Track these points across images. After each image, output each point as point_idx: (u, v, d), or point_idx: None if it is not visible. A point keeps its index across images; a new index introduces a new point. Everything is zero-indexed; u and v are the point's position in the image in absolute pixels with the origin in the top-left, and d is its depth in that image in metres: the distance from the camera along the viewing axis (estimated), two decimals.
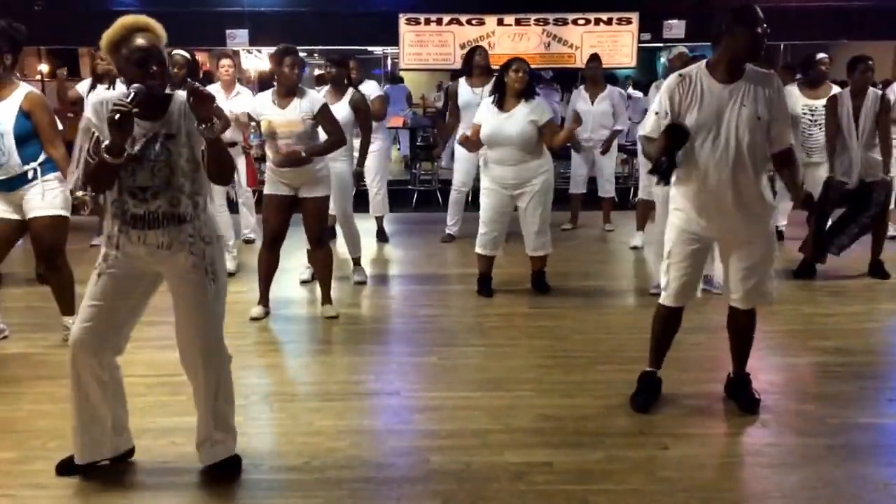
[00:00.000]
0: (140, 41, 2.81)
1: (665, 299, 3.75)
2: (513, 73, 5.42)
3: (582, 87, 7.96)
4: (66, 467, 3.16)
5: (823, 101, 6.45)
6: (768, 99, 3.42)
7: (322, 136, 5.06)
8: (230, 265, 6.12)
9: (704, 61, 3.53)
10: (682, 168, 3.50)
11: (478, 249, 5.74)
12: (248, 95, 7.24)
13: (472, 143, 5.64)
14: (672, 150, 3.37)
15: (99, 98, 2.95)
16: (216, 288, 3.11)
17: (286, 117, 4.93)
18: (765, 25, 3.39)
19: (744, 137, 3.39)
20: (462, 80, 7.08)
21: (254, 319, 5.12)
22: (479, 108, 5.68)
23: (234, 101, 6.94)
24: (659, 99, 3.56)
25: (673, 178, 3.55)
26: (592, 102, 7.78)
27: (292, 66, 4.96)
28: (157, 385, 4.10)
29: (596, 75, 7.88)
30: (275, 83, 5.08)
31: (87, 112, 2.94)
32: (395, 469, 3.26)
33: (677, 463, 3.30)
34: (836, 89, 6.47)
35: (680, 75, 3.52)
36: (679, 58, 7.00)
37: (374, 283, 6.12)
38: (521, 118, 5.40)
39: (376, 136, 6.91)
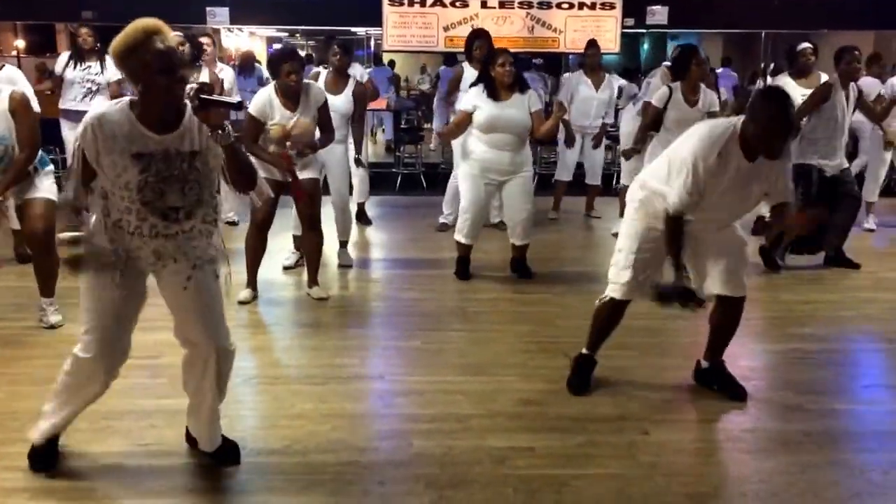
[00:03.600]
0: (160, 45, 2.64)
1: (620, 294, 3.69)
2: (499, 68, 5.39)
3: (581, 73, 7.87)
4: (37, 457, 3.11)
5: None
6: (777, 172, 3.43)
7: None
8: None
9: (735, 128, 3.35)
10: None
11: (460, 238, 5.73)
12: (230, 74, 7.21)
13: (453, 133, 5.62)
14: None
15: (96, 116, 2.71)
16: (219, 284, 3.15)
17: (297, 120, 4.89)
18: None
19: (746, 209, 3.54)
20: (466, 65, 7.00)
21: (241, 303, 5.09)
22: (464, 98, 5.65)
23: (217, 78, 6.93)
24: (693, 177, 3.34)
25: (645, 183, 3.63)
26: (596, 90, 7.73)
27: (289, 74, 4.79)
28: (137, 367, 4.02)
29: (596, 62, 7.85)
30: (274, 82, 4.96)
31: (80, 131, 2.71)
32: (377, 453, 3.27)
33: (658, 448, 3.33)
34: (824, 77, 6.51)
35: (719, 155, 3.32)
36: (665, 76, 6.96)
37: (359, 267, 6.11)
38: (521, 106, 5.42)
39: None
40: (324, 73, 6.09)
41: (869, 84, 7.32)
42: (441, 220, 7.38)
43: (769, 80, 11.91)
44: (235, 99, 2.90)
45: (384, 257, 6.68)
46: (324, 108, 5.03)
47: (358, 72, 6.92)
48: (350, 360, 4.26)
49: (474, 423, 3.52)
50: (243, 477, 3.08)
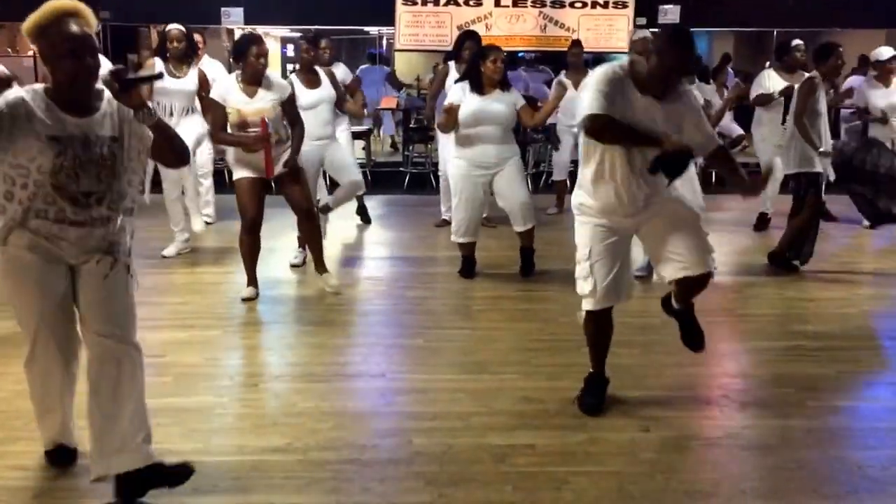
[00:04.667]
0: (73, 28, 2.56)
1: (592, 304, 3.54)
2: (491, 64, 5.40)
3: (563, 74, 7.87)
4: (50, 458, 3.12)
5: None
6: (684, 113, 3.36)
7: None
8: (198, 224, 6.29)
9: (623, 66, 3.35)
10: (593, 170, 3.44)
11: (458, 238, 5.72)
12: (220, 68, 7.25)
13: (448, 124, 5.60)
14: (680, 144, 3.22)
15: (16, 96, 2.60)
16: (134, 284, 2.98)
17: (255, 106, 4.91)
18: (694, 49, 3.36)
19: None
20: (452, 65, 7.02)
21: (246, 300, 5.13)
22: (449, 94, 5.65)
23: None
24: (597, 86, 3.30)
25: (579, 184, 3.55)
26: (576, 88, 7.73)
27: (258, 56, 4.89)
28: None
29: (578, 61, 7.84)
30: (239, 70, 5.02)
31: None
32: (378, 451, 3.28)
33: (658, 445, 3.34)
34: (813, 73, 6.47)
35: (610, 82, 3.29)
36: (642, 42, 6.91)
37: (363, 265, 6.13)
38: (505, 101, 5.47)
39: (343, 118, 6.82)
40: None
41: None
42: (443, 216, 7.39)
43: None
44: (153, 71, 2.89)
45: (389, 255, 6.70)
46: (290, 101, 5.06)
47: (341, 71, 6.91)
48: (352, 358, 4.29)
49: (475, 421, 3.53)
50: (244, 475, 3.10)
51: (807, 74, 6.22)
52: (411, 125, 11.61)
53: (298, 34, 15.58)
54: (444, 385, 3.91)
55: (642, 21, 10.36)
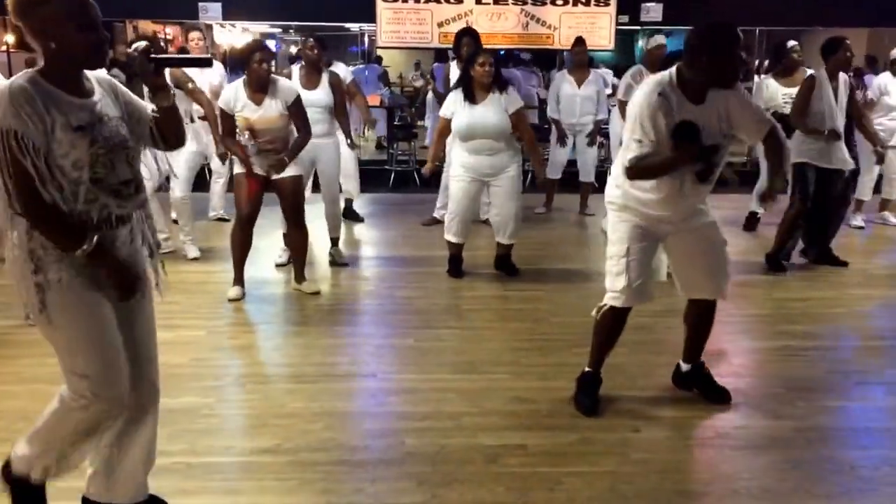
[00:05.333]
0: None
1: (621, 301, 3.53)
2: (479, 67, 5.37)
3: (566, 71, 7.90)
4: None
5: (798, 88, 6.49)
6: (730, 111, 3.32)
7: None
8: (192, 252, 6.11)
9: (671, 75, 3.32)
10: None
11: (450, 237, 5.72)
12: (220, 68, 7.19)
13: (437, 147, 5.77)
14: (691, 149, 3.22)
15: (19, 94, 2.17)
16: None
17: (263, 115, 4.90)
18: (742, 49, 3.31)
19: (717, 163, 3.36)
20: (453, 64, 6.98)
21: (232, 300, 5.08)
22: (444, 104, 5.63)
23: (208, 74, 6.93)
24: (639, 125, 3.25)
25: (618, 180, 3.48)
26: (579, 87, 7.75)
27: (261, 62, 4.84)
28: None
29: (582, 60, 7.85)
30: (244, 74, 4.97)
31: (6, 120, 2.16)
32: (369, 452, 3.26)
33: (650, 445, 3.33)
34: (809, 71, 6.49)
35: (660, 94, 3.24)
36: (659, 49, 6.95)
37: (351, 265, 6.09)
38: (497, 109, 5.39)
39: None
40: (296, 69, 6.05)
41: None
42: (434, 214, 7.39)
43: (762, 77, 11.94)
44: (201, 55, 2.76)
45: (377, 255, 6.66)
46: (295, 105, 5.01)
47: (341, 70, 6.88)
48: (342, 359, 4.25)
49: (466, 421, 3.51)
50: (234, 477, 3.07)
51: (809, 72, 6.24)
52: (395, 123, 11.59)
53: (279, 30, 15.57)
54: (435, 385, 3.89)
55: (624, 19, 10.38)
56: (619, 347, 4.29)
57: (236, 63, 5.09)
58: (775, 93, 6.68)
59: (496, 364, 4.17)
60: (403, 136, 10.52)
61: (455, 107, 5.44)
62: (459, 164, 5.58)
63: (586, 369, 3.74)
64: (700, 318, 3.71)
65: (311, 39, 5.91)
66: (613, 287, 3.54)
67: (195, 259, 6.09)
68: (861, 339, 4.72)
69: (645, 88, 3.31)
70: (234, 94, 4.94)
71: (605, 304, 3.61)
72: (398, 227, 7.52)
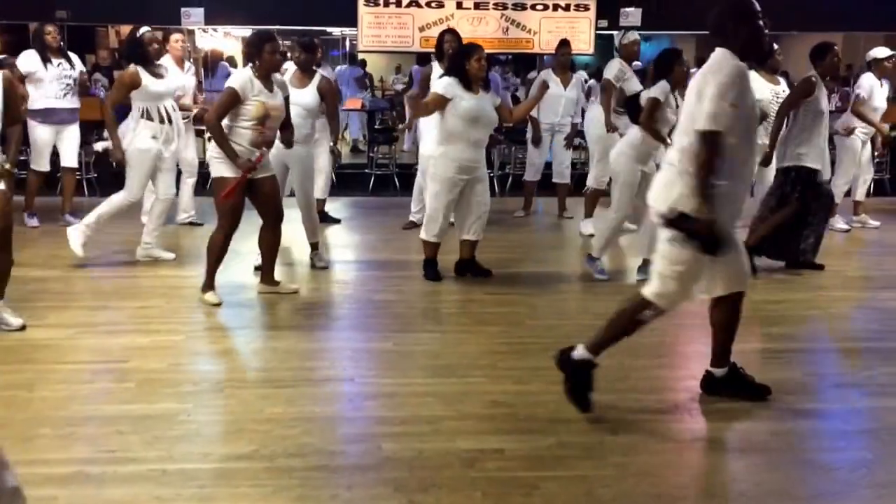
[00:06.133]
0: None
1: (668, 304, 3.49)
2: (476, 63, 5.39)
3: (550, 71, 7.90)
4: None
5: (782, 87, 6.57)
6: None
7: None
8: (167, 254, 6.10)
9: (736, 58, 3.32)
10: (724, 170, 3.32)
11: (431, 237, 5.68)
12: (191, 80, 7.19)
13: (426, 109, 5.65)
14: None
15: None
16: None
17: (275, 101, 4.98)
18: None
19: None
20: (435, 65, 6.97)
21: (216, 305, 5.02)
22: (439, 84, 5.55)
23: (188, 76, 6.94)
24: (732, 89, 3.25)
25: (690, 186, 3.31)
26: (565, 88, 7.79)
27: (273, 52, 4.93)
28: (102, 371, 4.03)
29: (568, 61, 7.91)
30: (252, 66, 4.97)
31: None
32: (346, 457, 3.24)
33: (627, 448, 3.33)
34: (782, 80, 6.57)
35: (739, 71, 3.30)
36: (634, 44, 7.11)
37: (330, 268, 6.06)
38: (489, 101, 5.48)
39: (325, 133, 6.82)
40: (291, 67, 6.05)
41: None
42: (410, 217, 7.36)
43: None
44: None
45: (356, 258, 6.64)
46: (287, 100, 5.13)
47: (326, 73, 6.87)
48: (319, 363, 4.23)
49: (444, 425, 3.50)
50: (210, 483, 3.03)
51: (781, 79, 6.31)
52: (376, 126, 11.57)
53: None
54: (412, 389, 3.88)
55: (604, 23, 10.46)
56: None
57: (247, 52, 5.07)
58: (763, 87, 6.70)
59: (473, 368, 4.16)
60: (383, 139, 10.50)
61: (455, 90, 5.37)
62: (450, 160, 5.47)
63: (589, 356, 3.61)
64: (732, 314, 3.68)
65: (300, 45, 5.92)
66: (667, 289, 3.48)
67: (170, 261, 6.08)
68: (837, 342, 4.76)
69: (717, 69, 3.30)
70: (250, 80, 4.90)
71: (646, 299, 3.51)
72: (377, 230, 7.51)
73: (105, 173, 8.66)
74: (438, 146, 5.57)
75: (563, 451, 3.29)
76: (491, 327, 4.81)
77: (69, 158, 7.29)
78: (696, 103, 3.28)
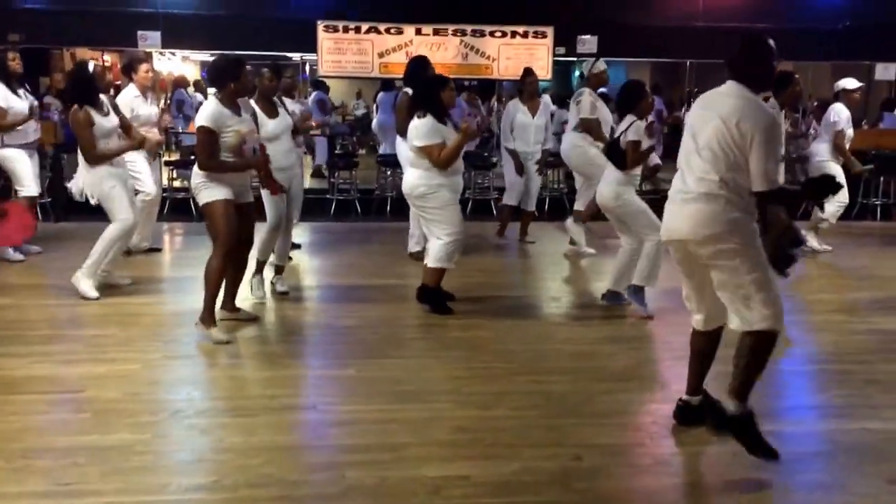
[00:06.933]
0: None
1: (777, 325, 3.41)
2: (450, 91, 5.46)
3: (517, 101, 7.91)
4: None
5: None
6: None
7: None
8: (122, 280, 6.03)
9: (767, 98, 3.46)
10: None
11: (450, 264, 5.49)
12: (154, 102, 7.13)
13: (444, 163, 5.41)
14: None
15: None
16: None
17: (247, 125, 4.97)
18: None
19: None
20: (411, 91, 6.96)
21: (224, 343, 4.85)
22: (421, 128, 5.34)
23: (151, 107, 6.88)
24: (777, 144, 3.37)
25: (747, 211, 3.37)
26: (533, 116, 7.86)
27: (246, 76, 4.94)
28: (58, 402, 3.94)
29: (535, 89, 7.99)
30: (218, 94, 4.91)
31: None
32: (309, 486, 3.20)
33: (591, 473, 3.34)
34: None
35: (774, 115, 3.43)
36: (603, 73, 7.22)
37: (292, 295, 6.00)
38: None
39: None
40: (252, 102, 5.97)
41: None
42: (412, 249, 7.13)
43: None
44: None
45: (318, 284, 6.60)
46: (256, 120, 5.19)
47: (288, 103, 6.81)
48: (281, 391, 4.18)
49: (409, 452, 3.48)
50: None
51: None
52: (336, 151, 11.57)
53: (213, 57, 15.44)
54: (376, 416, 3.85)
55: (561, 50, 10.62)
56: (561, 375, 4.37)
57: (216, 76, 4.92)
58: None
59: (438, 393, 4.15)
60: (344, 164, 10.50)
61: (442, 130, 5.33)
62: (448, 189, 5.41)
63: (748, 409, 3.43)
64: (714, 344, 3.74)
65: (267, 70, 5.85)
66: (781, 312, 3.41)
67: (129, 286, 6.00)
68: (793, 364, 4.83)
69: (768, 112, 3.39)
70: (220, 112, 4.81)
71: (767, 329, 3.39)
72: (339, 256, 7.47)
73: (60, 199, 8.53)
74: (433, 178, 5.37)
75: (528, 477, 3.29)
76: (455, 352, 4.81)
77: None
78: (740, 139, 3.28)
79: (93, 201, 5.80)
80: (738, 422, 3.38)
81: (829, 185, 3.45)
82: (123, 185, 5.83)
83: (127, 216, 5.74)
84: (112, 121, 5.84)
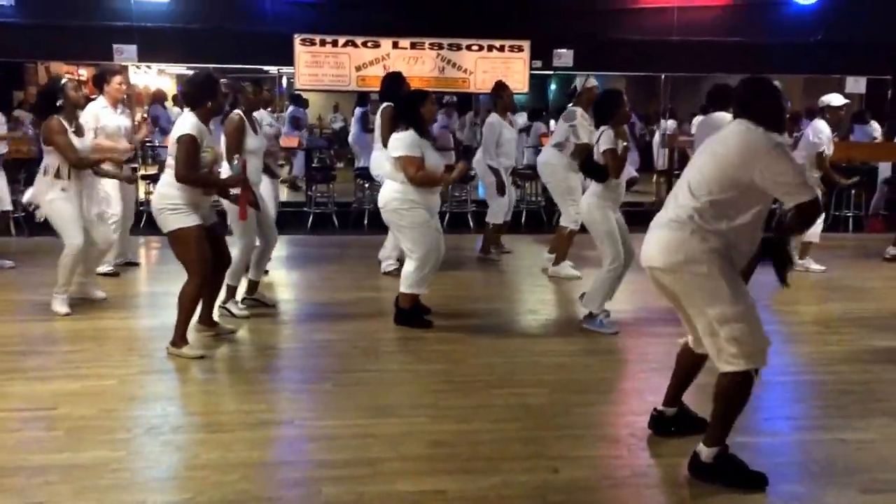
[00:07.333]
0: None
1: (763, 357, 3.33)
2: (431, 105, 5.46)
3: (497, 115, 7.86)
4: None
5: None
6: None
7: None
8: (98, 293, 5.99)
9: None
10: (748, 220, 3.28)
11: (423, 289, 5.51)
12: (126, 113, 7.08)
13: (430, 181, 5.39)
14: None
15: None
16: None
17: (217, 148, 5.01)
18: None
19: None
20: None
21: (201, 357, 4.84)
22: (402, 140, 5.30)
23: (121, 118, 6.82)
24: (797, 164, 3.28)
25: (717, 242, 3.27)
26: (512, 128, 7.93)
27: (223, 94, 4.98)
28: (30, 420, 3.89)
29: (513, 102, 8.05)
30: (193, 111, 4.82)
31: None
32: (285, 502, 3.18)
33: (567, 485, 3.34)
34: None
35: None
36: (594, 89, 7.17)
37: (268, 309, 5.98)
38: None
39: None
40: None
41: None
42: (386, 268, 7.13)
43: (668, 122, 12.42)
44: None
45: (295, 298, 6.58)
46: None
47: (264, 117, 6.81)
48: (258, 406, 4.15)
49: (385, 467, 3.47)
50: None
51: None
52: (314, 164, 11.55)
53: (195, 72, 15.40)
54: (353, 430, 3.84)
55: (538, 64, 10.68)
56: (537, 388, 4.37)
57: (194, 94, 4.83)
58: None
59: (415, 407, 4.14)
60: (322, 178, 10.49)
61: (421, 146, 5.30)
62: (423, 208, 5.35)
63: (724, 449, 3.38)
64: (701, 364, 3.74)
65: (250, 83, 5.86)
66: (761, 345, 3.30)
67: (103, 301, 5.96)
68: (766, 376, 4.82)
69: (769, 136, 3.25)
70: (200, 126, 4.77)
71: (747, 370, 3.29)
72: (317, 269, 7.46)
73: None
74: (408, 193, 5.33)
75: (506, 491, 3.29)
76: (432, 365, 4.80)
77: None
78: (739, 167, 3.21)
79: (38, 217, 5.77)
80: (712, 467, 3.34)
81: (779, 260, 3.34)
82: (76, 207, 5.74)
83: (73, 240, 5.68)
84: (84, 142, 5.81)
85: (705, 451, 3.35)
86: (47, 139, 5.63)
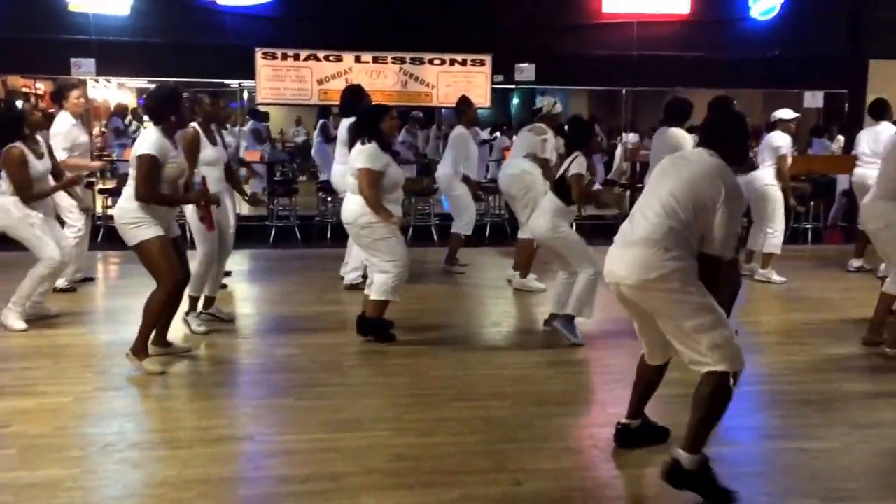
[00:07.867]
0: None
1: (741, 361, 3.32)
2: (391, 121, 5.41)
3: (466, 130, 7.91)
4: None
5: None
6: None
7: None
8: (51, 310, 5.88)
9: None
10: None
11: (397, 297, 5.40)
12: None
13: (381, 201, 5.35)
14: None
15: None
16: None
17: (182, 158, 4.90)
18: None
19: None
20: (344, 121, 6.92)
21: (159, 374, 4.74)
22: (365, 152, 5.26)
23: (83, 130, 6.74)
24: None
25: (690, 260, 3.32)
26: (475, 142, 8.02)
27: (185, 105, 4.93)
28: None
29: (477, 116, 8.11)
30: (157, 125, 4.75)
31: None
32: None
33: (531, 498, 3.33)
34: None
35: None
36: (560, 115, 7.27)
37: (229, 323, 5.89)
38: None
39: None
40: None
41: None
42: (352, 280, 7.02)
43: (629, 135, 12.56)
44: None
45: (256, 312, 6.50)
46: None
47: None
48: (217, 422, 4.09)
49: (348, 481, 3.43)
50: None
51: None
52: (276, 178, 11.47)
53: (155, 86, 15.25)
54: (315, 445, 3.79)
55: (500, 78, 10.75)
56: (500, 400, 4.37)
57: (157, 109, 4.75)
58: (688, 144, 6.60)
59: (378, 421, 4.11)
60: (284, 191, 10.43)
61: (384, 158, 5.27)
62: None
63: (703, 458, 3.33)
64: (660, 374, 3.78)
65: (207, 95, 5.82)
66: (735, 353, 3.30)
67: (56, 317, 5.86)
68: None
69: (725, 170, 3.35)
70: (163, 142, 4.68)
71: (727, 373, 3.28)
72: (278, 283, 7.39)
73: None
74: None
75: None
76: (395, 379, 4.77)
77: None
78: (709, 201, 3.27)
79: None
80: (694, 475, 3.29)
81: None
82: (45, 225, 5.65)
83: (52, 256, 5.57)
84: (46, 164, 5.71)
85: (687, 459, 3.28)
86: (6, 169, 5.51)
